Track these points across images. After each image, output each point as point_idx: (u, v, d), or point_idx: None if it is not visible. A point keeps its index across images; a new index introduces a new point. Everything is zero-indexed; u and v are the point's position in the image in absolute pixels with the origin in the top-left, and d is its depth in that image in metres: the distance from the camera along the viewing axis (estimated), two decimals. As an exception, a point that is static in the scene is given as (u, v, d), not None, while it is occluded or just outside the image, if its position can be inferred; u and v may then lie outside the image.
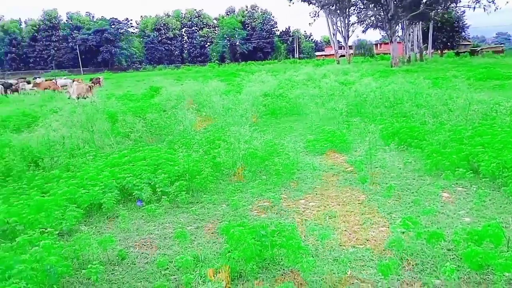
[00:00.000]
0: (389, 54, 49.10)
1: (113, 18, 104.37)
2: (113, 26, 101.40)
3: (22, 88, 28.70)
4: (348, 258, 4.17)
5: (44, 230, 4.56)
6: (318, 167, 7.56)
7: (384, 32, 52.86)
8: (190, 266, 4.04)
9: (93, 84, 26.91)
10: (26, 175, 6.96)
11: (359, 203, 5.78)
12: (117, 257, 4.52)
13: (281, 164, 7.04)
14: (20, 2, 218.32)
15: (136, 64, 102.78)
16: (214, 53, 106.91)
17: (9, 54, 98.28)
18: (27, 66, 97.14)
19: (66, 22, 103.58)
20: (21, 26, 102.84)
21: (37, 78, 40.62)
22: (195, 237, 5.00)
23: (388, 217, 5.21)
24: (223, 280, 3.85)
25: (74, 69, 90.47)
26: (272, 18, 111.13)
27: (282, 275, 4.01)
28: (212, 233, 5.08)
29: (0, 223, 4.89)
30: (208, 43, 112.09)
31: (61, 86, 34.66)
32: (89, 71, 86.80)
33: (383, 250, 4.35)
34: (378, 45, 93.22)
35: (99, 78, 36.28)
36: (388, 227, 4.88)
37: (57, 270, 3.72)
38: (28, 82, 32.24)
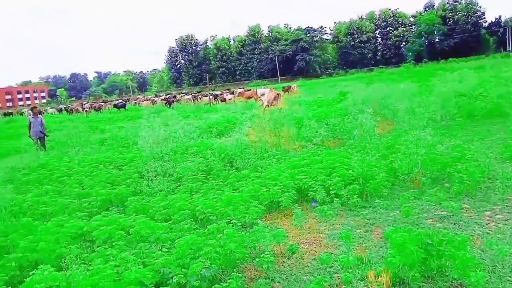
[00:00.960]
0: None
1: (308, 27, 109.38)
2: (308, 35, 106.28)
3: (230, 98, 32.69)
4: (532, 279, 3.68)
5: (230, 221, 5.34)
6: (513, 177, 6.67)
7: None
8: (353, 266, 4.19)
9: (281, 93, 28.87)
10: (223, 174, 8.08)
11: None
12: (288, 251, 4.95)
13: (466, 171, 6.48)
14: (228, 19, 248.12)
15: (329, 70, 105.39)
16: (410, 53, 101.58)
17: (220, 68, 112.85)
18: (234, 78, 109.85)
19: (267, 35, 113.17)
20: (230, 42, 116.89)
21: (240, 89, 45.51)
22: (362, 240, 5.09)
23: None
24: (383, 284, 3.88)
25: (273, 79, 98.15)
26: (479, 9, 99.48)
27: (449, 287, 3.80)
28: (381, 238, 5.08)
29: (199, 213, 5.87)
30: (403, 43, 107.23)
31: (260, 95, 38.15)
32: (286, 80, 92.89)
33: None
34: None
35: (290, 87, 38.55)
36: None
37: (235, 255, 4.34)
38: (232, 93, 36.53)
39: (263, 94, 37.77)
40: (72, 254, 4.45)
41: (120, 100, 51.93)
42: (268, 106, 19.54)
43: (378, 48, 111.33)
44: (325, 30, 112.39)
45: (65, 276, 3.56)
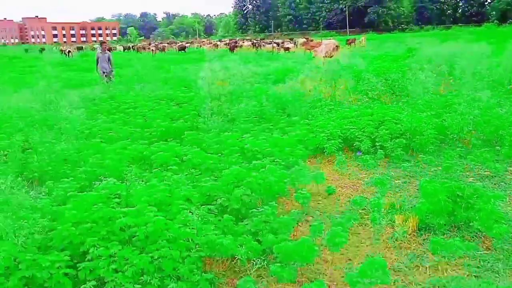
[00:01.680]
0: None
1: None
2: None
3: (289, 47, 32.33)
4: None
5: (274, 160, 5.72)
6: None
7: None
8: (383, 210, 4.47)
9: (339, 44, 28.31)
10: (274, 118, 8.42)
11: None
12: (326, 192, 5.30)
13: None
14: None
15: (402, 25, 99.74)
16: (494, 12, 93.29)
17: (287, 16, 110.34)
18: (301, 27, 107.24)
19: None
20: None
21: (303, 39, 44.59)
22: (399, 189, 5.31)
23: None
24: (409, 227, 4.15)
25: (341, 30, 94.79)
26: None
27: (472, 237, 4.00)
28: (417, 189, 5.26)
29: (247, 151, 6.30)
30: (488, 0, 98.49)
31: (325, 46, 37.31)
32: (355, 32, 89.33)
33: None
34: None
35: (354, 39, 37.33)
36: None
37: (274, 187, 4.74)
38: (294, 42, 36.05)
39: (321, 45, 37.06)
40: (132, 172, 5.07)
41: (181, 43, 52.95)
42: (326, 56, 19.29)
43: (459, 4, 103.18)
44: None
45: (126, 186, 4.14)
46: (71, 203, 3.90)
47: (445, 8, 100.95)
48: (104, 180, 4.52)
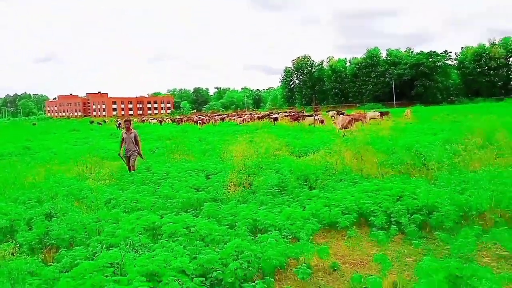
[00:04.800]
0: None
1: (431, 51, 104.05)
2: (430, 60, 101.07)
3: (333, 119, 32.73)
4: None
5: (283, 233, 5.73)
6: None
7: None
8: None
9: (355, 117, 28.90)
10: (295, 191, 8.48)
11: None
12: (330, 268, 5.21)
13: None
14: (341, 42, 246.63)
15: (451, 97, 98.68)
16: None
17: (333, 90, 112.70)
18: (347, 100, 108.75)
19: (385, 58, 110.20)
20: (346, 64, 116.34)
21: (332, 111, 45.02)
22: (407, 267, 5.13)
23: None
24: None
25: (388, 103, 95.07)
26: None
27: (473, 324, 3.76)
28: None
29: (259, 224, 6.36)
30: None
31: (369, 118, 37.43)
32: (402, 105, 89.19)
33: None
34: None
35: (388, 112, 37.54)
36: None
37: (273, 261, 4.75)
38: (342, 114, 36.48)
39: (374, 118, 37.22)
40: (141, 241, 5.27)
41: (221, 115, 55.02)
42: (343, 129, 19.56)
43: (511, 76, 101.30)
44: (449, 55, 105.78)
45: (121, 255, 4.32)
46: (73, 271, 4.12)
47: (495, 80, 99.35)
48: (110, 249, 4.75)
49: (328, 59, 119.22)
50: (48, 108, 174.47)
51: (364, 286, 4.57)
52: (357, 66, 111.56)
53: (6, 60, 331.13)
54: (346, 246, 6.02)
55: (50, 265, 4.67)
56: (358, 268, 5.30)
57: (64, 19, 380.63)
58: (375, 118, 36.39)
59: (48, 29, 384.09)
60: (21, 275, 4.08)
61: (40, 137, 33.67)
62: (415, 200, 6.78)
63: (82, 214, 6.59)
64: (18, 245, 5.28)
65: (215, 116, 53.04)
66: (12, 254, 4.51)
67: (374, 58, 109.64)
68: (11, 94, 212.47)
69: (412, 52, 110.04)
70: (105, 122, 65.61)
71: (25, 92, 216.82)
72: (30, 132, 43.51)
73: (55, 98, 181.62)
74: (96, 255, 4.68)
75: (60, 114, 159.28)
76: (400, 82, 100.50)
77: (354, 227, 6.49)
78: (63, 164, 13.63)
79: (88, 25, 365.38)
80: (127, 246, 4.93)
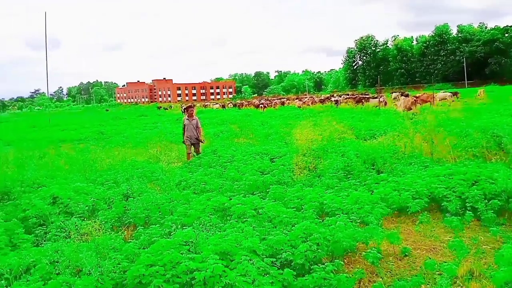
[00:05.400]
0: None
1: (507, 26, 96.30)
2: (506, 35, 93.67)
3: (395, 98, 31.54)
4: None
5: (350, 217, 5.68)
6: None
7: None
8: (459, 276, 4.18)
9: (422, 98, 27.80)
10: (363, 175, 8.33)
11: None
12: (400, 253, 5.10)
13: None
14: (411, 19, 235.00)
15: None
16: None
17: (399, 70, 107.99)
18: (413, 81, 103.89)
19: (456, 35, 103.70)
20: (412, 43, 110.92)
21: (395, 93, 43.09)
22: (484, 255, 4.90)
23: None
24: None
25: (458, 83, 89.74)
26: None
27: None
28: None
29: (326, 207, 6.34)
30: None
31: (439, 99, 35.52)
32: (474, 84, 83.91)
33: None
34: None
35: (457, 93, 35.51)
36: None
37: (342, 244, 4.74)
38: (406, 95, 34.97)
39: (445, 99, 35.38)
40: (212, 221, 5.47)
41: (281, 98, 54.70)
42: (406, 111, 18.83)
43: None
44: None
45: (195, 234, 4.50)
46: (151, 247, 4.37)
47: None
48: (184, 228, 4.97)
49: (394, 38, 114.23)
50: (118, 95, 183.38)
51: (438, 272, 4.45)
52: (424, 44, 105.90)
53: (79, 49, 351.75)
54: (417, 232, 5.85)
55: (129, 241, 4.98)
56: (430, 254, 5.14)
57: (130, 9, 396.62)
58: (445, 99, 34.51)
59: (116, 19, 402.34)
60: (106, 250, 4.41)
61: (112, 123, 35.62)
62: (493, 185, 6.41)
63: (156, 195, 6.93)
64: (103, 222, 5.69)
65: (274, 99, 53.03)
66: (98, 230, 4.88)
67: (443, 35, 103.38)
68: (85, 82, 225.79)
69: (486, 27, 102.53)
70: (171, 107, 68.07)
71: (97, 80, 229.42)
72: (102, 118, 46.16)
73: (124, 85, 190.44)
74: (172, 234, 4.92)
75: (129, 100, 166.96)
76: (472, 60, 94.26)
77: (426, 212, 6.28)
78: (135, 147, 14.36)
79: (153, 15, 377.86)
80: (202, 226, 5.14)
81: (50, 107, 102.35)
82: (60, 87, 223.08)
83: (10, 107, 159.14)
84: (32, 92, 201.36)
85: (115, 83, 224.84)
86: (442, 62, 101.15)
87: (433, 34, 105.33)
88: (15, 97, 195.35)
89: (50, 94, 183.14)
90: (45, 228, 5.91)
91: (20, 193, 7.51)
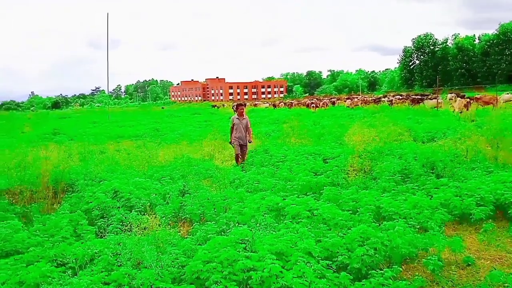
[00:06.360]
0: None
1: None
2: None
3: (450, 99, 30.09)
4: None
5: (409, 222, 5.49)
6: None
7: None
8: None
9: (485, 100, 26.30)
10: (421, 178, 8.03)
11: None
12: (463, 262, 4.87)
13: None
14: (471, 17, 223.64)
15: None
16: None
17: (459, 70, 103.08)
18: (474, 81, 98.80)
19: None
20: (474, 42, 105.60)
21: (451, 94, 40.83)
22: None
23: None
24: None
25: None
26: None
27: None
28: None
29: (383, 211, 6.17)
30: None
31: (504, 101, 33.50)
32: (542, 85, 78.55)
33: None
34: None
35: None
36: None
37: (401, 250, 4.59)
38: (462, 96, 33.23)
39: (510, 100, 33.34)
40: (266, 221, 5.48)
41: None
42: (460, 112, 18.02)
43: None
44: None
45: (251, 233, 4.53)
46: (207, 244, 4.45)
47: None
48: (239, 226, 5.02)
49: (454, 36, 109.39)
50: (172, 93, 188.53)
51: (505, 284, 4.20)
52: (488, 43, 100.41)
53: (137, 48, 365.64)
54: (480, 241, 5.56)
55: (187, 237, 5.10)
56: (495, 264, 4.87)
57: (183, 10, 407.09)
58: (510, 100, 32.56)
59: (170, 20, 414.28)
60: (165, 244, 4.54)
61: (167, 120, 36.64)
62: None
63: (210, 192, 7.05)
64: (162, 217, 5.87)
65: (324, 99, 52.25)
66: (159, 225, 5.04)
67: (508, 33, 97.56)
68: (141, 80, 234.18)
69: None
70: (223, 105, 69.11)
71: (152, 78, 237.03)
72: (157, 115, 47.64)
73: (178, 84, 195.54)
74: (228, 231, 4.98)
75: (183, 98, 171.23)
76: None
77: (490, 220, 5.95)
78: (189, 145, 14.71)
79: (205, 15, 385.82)
80: (257, 225, 5.17)
81: (109, 104, 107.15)
82: (119, 85, 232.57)
83: (72, 104, 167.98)
84: (93, 90, 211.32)
85: (170, 81, 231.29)
86: (506, 62, 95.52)
87: (497, 33, 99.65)
88: (77, 94, 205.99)
89: (109, 92, 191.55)
90: (106, 221, 6.18)
91: (83, 186, 7.92)
